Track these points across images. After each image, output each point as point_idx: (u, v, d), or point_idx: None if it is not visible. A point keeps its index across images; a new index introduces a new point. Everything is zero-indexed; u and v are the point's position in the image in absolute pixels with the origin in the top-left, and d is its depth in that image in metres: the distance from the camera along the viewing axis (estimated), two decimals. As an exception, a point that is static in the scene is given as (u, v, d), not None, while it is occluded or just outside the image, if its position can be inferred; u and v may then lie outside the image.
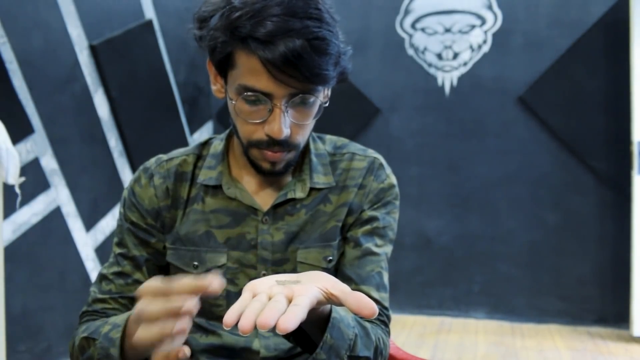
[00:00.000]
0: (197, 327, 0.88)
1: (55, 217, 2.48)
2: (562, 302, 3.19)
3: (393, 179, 0.93)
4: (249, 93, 0.74)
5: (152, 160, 0.92)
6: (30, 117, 2.34)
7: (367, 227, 0.89)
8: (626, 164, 3.03)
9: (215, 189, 0.88)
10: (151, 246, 0.89)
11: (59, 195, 2.50)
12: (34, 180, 2.34)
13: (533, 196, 3.28)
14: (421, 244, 3.42)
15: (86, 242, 2.65)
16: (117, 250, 0.89)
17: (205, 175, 0.88)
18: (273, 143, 0.77)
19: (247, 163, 0.85)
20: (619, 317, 3.07)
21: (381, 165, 0.93)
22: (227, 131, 0.91)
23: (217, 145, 0.91)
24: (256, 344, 0.85)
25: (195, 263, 0.86)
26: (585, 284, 3.16)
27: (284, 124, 0.75)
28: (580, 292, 3.18)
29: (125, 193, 0.91)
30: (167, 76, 3.31)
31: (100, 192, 2.77)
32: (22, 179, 1.79)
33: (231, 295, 0.85)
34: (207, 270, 0.85)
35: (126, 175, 2.94)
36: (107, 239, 2.77)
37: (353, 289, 0.71)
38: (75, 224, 2.60)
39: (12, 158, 1.74)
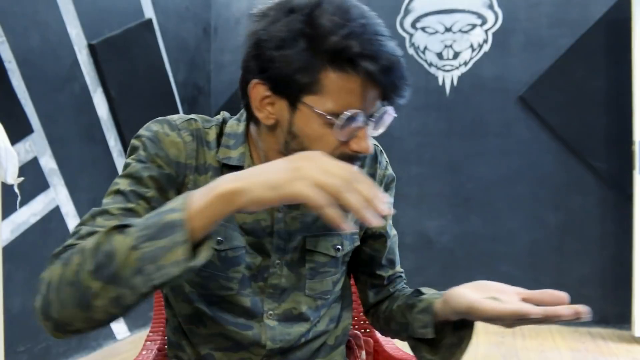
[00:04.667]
0: (199, 317, 0.85)
1: (54, 217, 2.47)
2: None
3: (388, 161, 0.96)
4: (342, 116, 0.71)
5: (173, 116, 0.84)
6: (29, 117, 2.33)
7: (387, 217, 0.94)
8: (627, 164, 3.02)
9: (234, 170, 0.80)
10: (165, 199, 0.77)
11: (58, 195, 2.49)
12: (33, 180, 2.33)
13: (534, 196, 3.27)
14: (422, 244, 3.41)
15: (85, 242, 2.65)
16: (126, 186, 0.76)
17: (224, 154, 0.83)
18: (355, 158, 0.76)
19: (268, 155, 0.80)
20: (620, 318, 3.06)
21: (381, 151, 0.95)
22: (243, 113, 0.86)
23: (235, 125, 0.85)
24: (263, 336, 0.84)
25: (221, 238, 0.81)
26: (586, 284, 3.15)
27: (369, 140, 0.75)
28: (581, 292, 3.17)
29: (141, 138, 0.80)
30: (166, 75, 3.30)
31: (100, 192, 2.75)
32: (21, 178, 1.79)
33: (245, 280, 0.83)
34: (232, 249, 0.81)
35: (126, 175, 2.94)
36: (106, 239, 2.76)
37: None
38: (74, 224, 2.58)
39: (11, 158, 1.73)
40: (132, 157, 0.80)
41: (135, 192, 0.76)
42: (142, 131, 0.82)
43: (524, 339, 2.94)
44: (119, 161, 2.90)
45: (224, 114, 0.89)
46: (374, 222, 0.59)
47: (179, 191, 0.80)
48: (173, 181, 0.80)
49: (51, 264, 0.67)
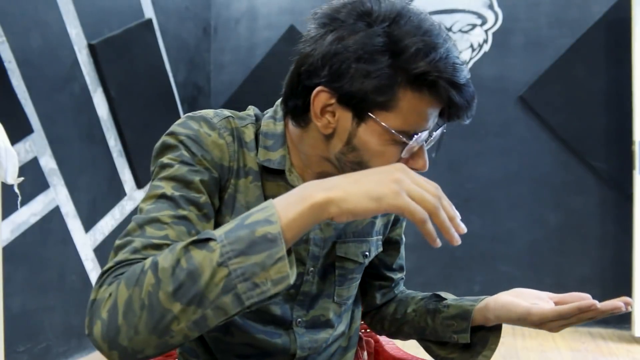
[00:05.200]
0: (227, 326, 0.80)
1: (54, 217, 2.47)
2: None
3: None
4: (415, 137, 0.71)
5: (209, 111, 0.78)
6: (29, 117, 2.33)
7: (403, 223, 0.98)
8: (627, 164, 3.02)
9: (274, 173, 0.79)
10: (213, 205, 0.74)
11: (58, 195, 2.49)
12: (33, 180, 2.33)
13: (534, 196, 3.27)
14: (422, 244, 3.40)
15: (85, 243, 2.64)
16: (173, 191, 0.69)
17: (264, 156, 0.78)
18: None
19: (311, 159, 0.78)
20: (620, 318, 3.06)
21: None
22: (279, 111, 0.81)
23: (271, 124, 0.80)
24: (292, 344, 0.83)
25: None
26: (586, 284, 3.15)
27: (427, 156, 0.76)
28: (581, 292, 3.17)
29: (179, 137, 0.73)
30: (166, 75, 3.30)
31: (100, 192, 2.77)
32: (21, 179, 1.78)
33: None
34: None
35: (125, 175, 2.93)
36: (106, 239, 2.76)
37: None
38: (74, 224, 2.59)
39: (11, 158, 1.73)
40: (170, 157, 0.73)
41: (185, 198, 0.69)
42: (177, 128, 0.75)
43: (524, 339, 2.94)
44: (119, 161, 2.90)
45: (254, 109, 0.83)
46: (456, 241, 0.60)
47: (220, 195, 0.75)
48: (218, 185, 0.75)
49: (108, 284, 0.60)
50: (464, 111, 0.71)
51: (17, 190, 1.85)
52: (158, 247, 0.64)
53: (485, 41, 3.33)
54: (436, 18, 3.09)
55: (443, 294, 0.92)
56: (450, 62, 0.67)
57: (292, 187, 0.77)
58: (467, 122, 0.74)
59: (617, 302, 0.70)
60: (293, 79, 0.74)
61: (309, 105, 0.72)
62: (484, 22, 3.34)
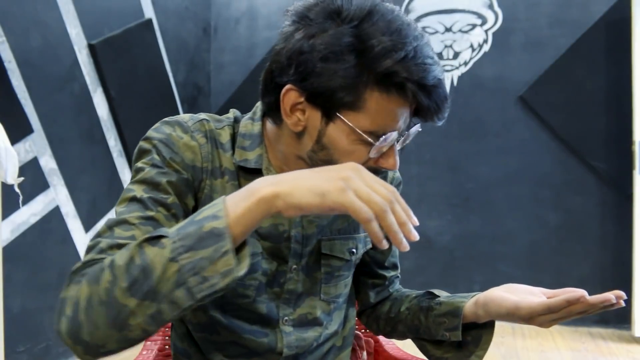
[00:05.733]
0: (213, 326, 0.82)
1: (54, 217, 2.47)
2: (562, 302, 3.18)
3: None
4: (382, 138, 0.70)
5: (184, 116, 0.80)
6: (29, 117, 2.33)
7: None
8: (627, 164, 3.02)
9: (251, 173, 0.80)
10: (184, 205, 0.75)
11: (58, 195, 2.49)
12: (33, 180, 2.33)
13: (534, 196, 3.27)
14: (421, 244, 3.41)
15: (85, 243, 2.64)
16: (143, 193, 0.72)
17: (241, 156, 0.79)
18: (378, 172, 0.76)
19: (287, 158, 0.78)
20: (620, 318, 3.06)
21: None
22: (257, 112, 0.82)
23: (249, 124, 0.81)
24: (279, 344, 0.83)
25: None
26: (586, 284, 3.13)
27: (397, 157, 0.75)
28: (581, 292, 3.17)
29: (152, 141, 0.76)
30: (166, 75, 3.30)
31: (100, 192, 2.77)
32: (21, 178, 1.79)
33: (261, 287, 0.81)
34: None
35: (125, 175, 2.93)
36: (106, 239, 2.76)
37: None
38: (74, 224, 2.59)
39: (11, 158, 1.73)
40: (144, 161, 0.75)
41: (153, 199, 0.71)
42: (152, 133, 0.77)
43: (524, 339, 2.94)
44: (119, 161, 2.90)
45: (235, 112, 0.85)
46: (403, 247, 0.58)
47: (196, 196, 0.77)
48: (190, 186, 0.76)
49: (74, 282, 0.62)
50: (433, 114, 0.71)
51: (17, 190, 1.85)
52: (123, 247, 0.65)
53: (485, 41, 3.33)
54: (436, 18, 3.09)
55: (436, 291, 0.91)
56: (419, 62, 0.67)
57: None
58: (439, 124, 0.73)
59: (608, 295, 0.69)
60: (267, 75, 0.76)
61: (278, 101, 0.73)
62: (484, 22, 3.34)
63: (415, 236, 0.58)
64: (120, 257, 0.59)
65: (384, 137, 0.70)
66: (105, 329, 0.58)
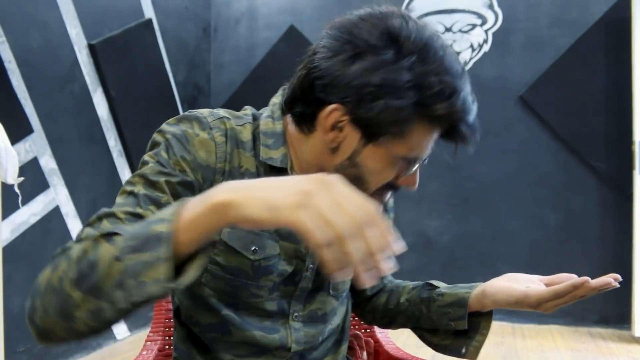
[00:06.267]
0: (225, 325, 0.82)
1: (54, 217, 2.47)
2: (563, 302, 3.19)
3: None
4: (417, 162, 0.75)
5: (204, 111, 0.78)
6: (29, 117, 2.33)
7: (391, 215, 0.97)
8: (627, 164, 3.02)
9: (276, 172, 0.78)
10: None
11: (57, 195, 2.49)
12: (33, 180, 2.33)
13: (534, 196, 3.27)
14: (421, 244, 3.41)
15: (85, 242, 2.65)
16: (140, 188, 0.70)
17: (266, 154, 0.77)
18: (396, 188, 0.79)
19: (310, 164, 0.78)
20: (620, 318, 3.06)
21: None
22: (276, 110, 0.80)
23: (270, 123, 0.79)
24: (289, 338, 0.83)
25: (255, 248, 0.78)
26: (586, 284, 3.15)
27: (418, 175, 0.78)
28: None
29: (165, 135, 0.74)
30: (166, 75, 3.30)
31: (100, 192, 2.77)
32: (21, 178, 1.79)
33: (275, 286, 0.81)
34: (265, 258, 0.78)
35: (125, 175, 2.93)
36: (106, 239, 2.76)
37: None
38: (74, 224, 2.59)
39: (11, 158, 1.73)
40: (151, 154, 0.74)
41: (148, 197, 0.69)
42: (166, 126, 0.75)
43: (524, 339, 2.94)
44: (119, 161, 2.90)
45: (251, 109, 0.83)
46: (366, 283, 0.49)
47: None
48: (193, 188, 0.73)
49: (46, 267, 0.62)
50: (469, 140, 0.75)
51: (17, 190, 1.85)
52: None
53: (485, 41, 3.33)
54: (436, 18, 3.09)
55: (435, 283, 0.93)
56: (467, 104, 0.71)
57: None
58: (472, 150, 0.77)
59: (607, 278, 0.75)
60: (304, 86, 0.73)
61: (316, 115, 0.73)
62: (484, 22, 3.34)
63: (388, 269, 0.50)
64: (77, 249, 0.58)
65: (416, 162, 0.74)
66: (54, 316, 0.58)
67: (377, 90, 0.68)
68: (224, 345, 0.83)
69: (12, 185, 1.80)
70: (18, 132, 2.25)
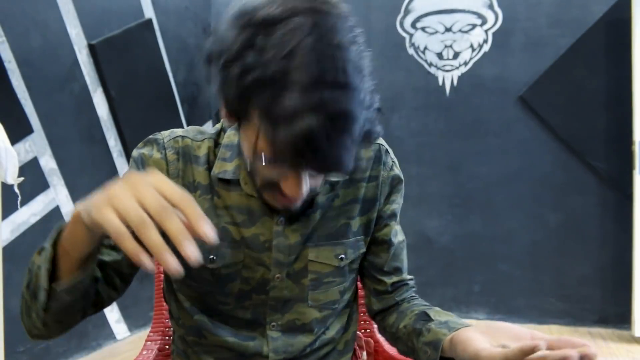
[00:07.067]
0: (200, 330, 0.84)
1: (54, 217, 2.47)
2: (562, 302, 3.18)
3: (396, 161, 0.92)
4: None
5: (165, 132, 0.83)
6: (29, 117, 2.33)
7: (392, 223, 0.91)
8: (627, 164, 3.02)
9: (230, 184, 0.80)
10: None
11: (58, 195, 2.49)
12: (33, 180, 2.33)
13: (534, 196, 3.27)
14: (421, 244, 3.41)
15: (85, 242, 2.65)
16: None
17: (220, 168, 0.80)
18: (280, 192, 0.72)
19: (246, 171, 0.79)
20: (620, 318, 3.06)
21: (387, 151, 0.90)
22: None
23: (232, 136, 0.81)
24: (265, 348, 0.83)
25: (213, 257, 0.80)
26: (586, 284, 3.15)
27: (303, 186, 0.67)
28: (581, 293, 3.17)
29: (131, 159, 0.82)
30: (166, 75, 3.30)
31: (100, 192, 2.76)
32: (21, 178, 1.79)
33: (242, 294, 0.82)
34: (225, 266, 0.80)
35: (125, 175, 2.94)
36: (106, 239, 2.76)
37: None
38: (74, 224, 2.59)
39: (11, 158, 1.73)
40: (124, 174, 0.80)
41: None
42: (134, 151, 0.83)
43: (524, 339, 2.94)
44: (119, 161, 2.90)
45: (224, 122, 0.83)
46: (173, 271, 0.49)
47: None
48: None
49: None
50: (295, 161, 0.66)
51: (17, 190, 1.85)
52: None
53: (485, 41, 3.33)
54: (436, 18, 3.10)
55: (432, 313, 0.83)
56: (276, 88, 0.63)
57: (248, 195, 0.80)
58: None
59: (569, 352, 0.61)
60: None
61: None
62: (484, 22, 3.34)
63: (194, 256, 0.48)
64: (30, 262, 0.68)
65: (263, 156, 0.66)
66: (24, 315, 0.71)
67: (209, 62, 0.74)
68: (203, 348, 0.85)
69: (12, 185, 1.80)
70: (18, 132, 2.25)
